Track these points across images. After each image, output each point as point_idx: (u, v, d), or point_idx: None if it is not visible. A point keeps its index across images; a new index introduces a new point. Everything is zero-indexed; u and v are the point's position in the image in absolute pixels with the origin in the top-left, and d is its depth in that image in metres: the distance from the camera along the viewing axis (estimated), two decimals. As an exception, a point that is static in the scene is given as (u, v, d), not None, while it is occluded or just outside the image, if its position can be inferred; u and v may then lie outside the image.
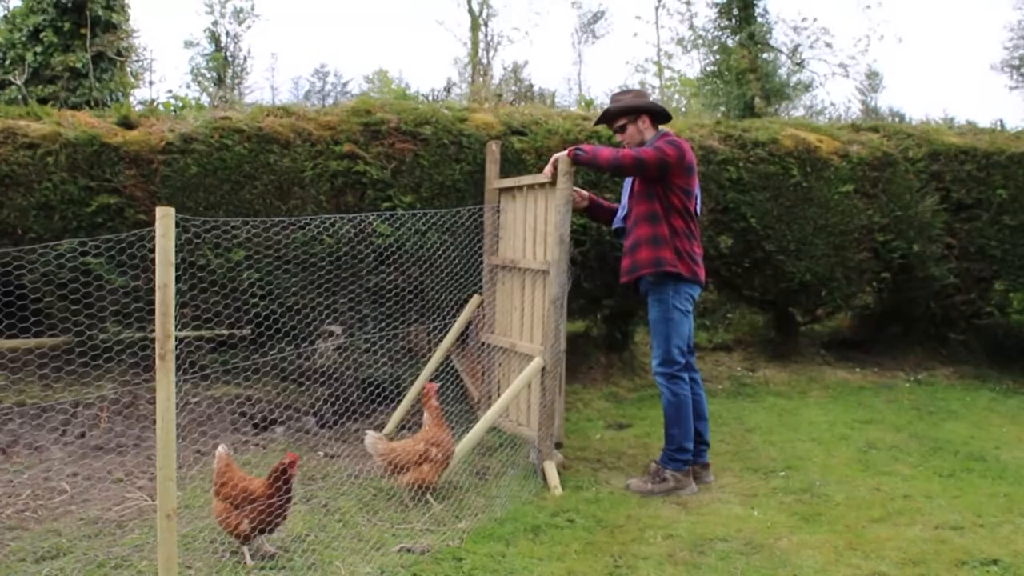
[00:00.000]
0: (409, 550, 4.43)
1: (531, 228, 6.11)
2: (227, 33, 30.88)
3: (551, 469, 5.53)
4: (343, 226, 6.50)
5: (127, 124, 6.57)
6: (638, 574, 4.22)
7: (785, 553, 4.50)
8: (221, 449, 4.52)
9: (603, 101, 17.39)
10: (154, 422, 6.32)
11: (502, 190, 6.60)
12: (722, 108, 23.67)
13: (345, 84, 50.32)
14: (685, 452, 5.54)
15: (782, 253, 8.24)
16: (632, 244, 5.61)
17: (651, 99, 5.94)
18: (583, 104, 11.52)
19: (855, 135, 8.93)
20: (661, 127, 5.81)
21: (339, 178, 6.74)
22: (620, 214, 5.89)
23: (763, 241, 8.17)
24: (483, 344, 6.71)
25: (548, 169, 5.69)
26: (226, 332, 6.71)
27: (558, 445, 5.99)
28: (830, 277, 8.45)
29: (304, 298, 6.60)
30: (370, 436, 5.25)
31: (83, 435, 6.13)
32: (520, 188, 6.30)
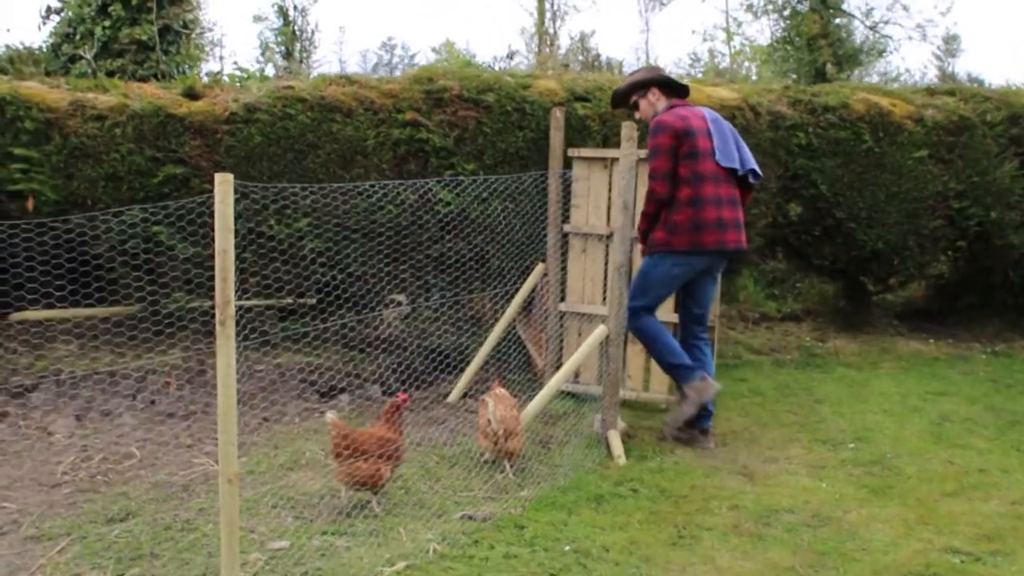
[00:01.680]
0: (471, 517, 4.41)
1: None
2: (295, 7, 30.99)
3: (615, 438, 5.47)
4: (406, 194, 6.48)
5: (192, 95, 6.63)
6: (702, 545, 4.15)
7: (853, 526, 4.39)
8: (331, 415, 4.55)
9: (671, 70, 17.17)
10: (221, 390, 6.45)
11: (579, 158, 6.54)
12: (792, 75, 23.14)
13: (412, 56, 50.24)
14: (680, 364, 5.61)
15: (853, 221, 8.03)
16: None
17: (661, 72, 5.96)
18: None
19: (930, 99, 8.64)
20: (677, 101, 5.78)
21: (402, 146, 6.72)
22: None
23: (834, 209, 7.97)
24: (561, 314, 6.67)
25: None
26: (291, 300, 6.76)
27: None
28: (903, 245, 8.22)
29: (368, 266, 6.61)
30: (490, 403, 5.07)
31: (153, 402, 6.23)
32: (604, 160, 6.42)
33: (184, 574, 3.83)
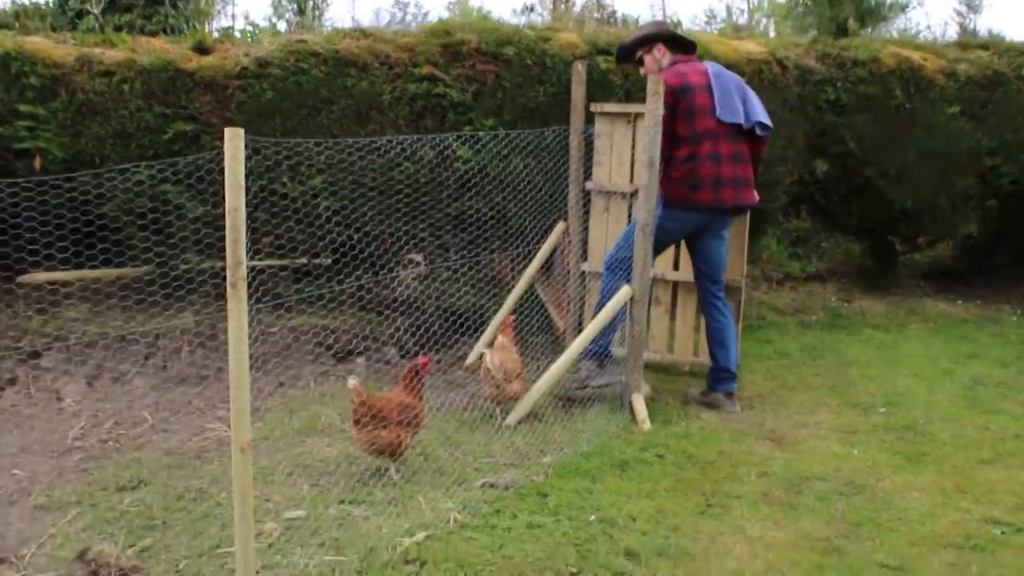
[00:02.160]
0: (492, 485, 4.27)
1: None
2: (308, -36, 30.59)
3: (639, 402, 5.31)
4: (423, 150, 6.28)
5: (202, 50, 6.42)
6: (731, 514, 4.00)
7: (888, 494, 4.24)
8: (352, 381, 4.45)
9: (687, 27, 16.78)
10: (234, 353, 6.31)
11: (601, 114, 6.32)
12: (812, 31, 22.65)
13: (426, 14, 49.65)
14: (603, 343, 5.61)
15: (882, 179, 7.81)
16: None
17: (667, 27, 5.86)
18: (672, 25, 11.05)
19: (963, 53, 8.34)
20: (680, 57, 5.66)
21: (418, 101, 6.51)
22: None
23: (862, 166, 7.75)
24: (583, 274, 6.50)
25: None
26: (306, 261, 6.59)
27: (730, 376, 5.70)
28: (933, 204, 8.00)
29: (384, 225, 6.44)
30: (487, 352, 5.32)
31: (165, 366, 6.10)
32: (627, 115, 6.21)
33: (197, 545, 3.71)
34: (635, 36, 5.75)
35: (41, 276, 6.33)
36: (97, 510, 4.06)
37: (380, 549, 3.60)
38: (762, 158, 5.74)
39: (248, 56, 6.30)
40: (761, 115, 5.51)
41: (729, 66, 7.03)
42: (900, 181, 7.83)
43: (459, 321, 6.50)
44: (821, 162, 7.72)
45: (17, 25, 7.73)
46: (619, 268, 5.54)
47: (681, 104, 5.35)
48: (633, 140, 6.18)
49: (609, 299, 5.40)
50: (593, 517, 3.92)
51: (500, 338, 5.54)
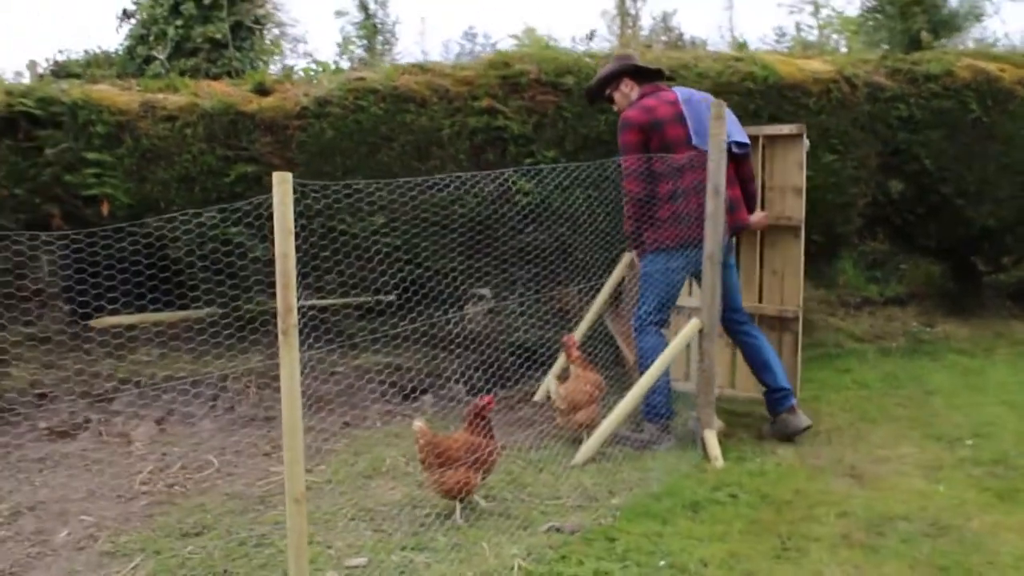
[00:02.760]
0: (558, 529, 4.14)
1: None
2: (375, 1, 30.94)
3: (711, 439, 5.12)
4: (483, 184, 6.21)
5: (262, 91, 6.48)
6: (809, 558, 3.80)
7: (978, 536, 3.98)
8: (418, 423, 4.38)
9: (756, 46, 16.50)
10: (303, 392, 6.29)
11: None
12: (884, 45, 22.17)
13: (494, 44, 49.96)
14: (660, 406, 5.36)
15: (961, 197, 7.52)
16: None
17: (629, 61, 5.65)
18: (737, 46, 10.87)
19: (1043, 61, 8.02)
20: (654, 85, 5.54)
21: (479, 135, 6.46)
22: None
23: (939, 184, 7.47)
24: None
25: None
26: (369, 298, 6.56)
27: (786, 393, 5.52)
28: (1017, 221, 7.66)
29: (446, 260, 6.38)
30: (553, 383, 5.48)
31: (232, 407, 6.12)
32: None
33: (258, 594, 3.66)
34: (599, 76, 5.65)
35: (110, 320, 6.41)
36: (160, 557, 4.03)
37: (442, 600, 3.50)
38: (751, 175, 5.63)
39: (307, 96, 6.32)
40: (736, 134, 5.40)
41: (796, 85, 6.90)
42: (980, 198, 7.52)
43: (527, 356, 6.40)
44: (896, 182, 7.46)
45: (87, 74, 7.89)
46: (650, 323, 5.40)
47: (653, 141, 5.25)
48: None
49: (651, 360, 5.26)
50: (663, 563, 3.76)
51: (572, 367, 5.60)
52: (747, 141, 5.45)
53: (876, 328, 7.95)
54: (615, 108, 5.67)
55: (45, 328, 6.60)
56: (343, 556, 3.94)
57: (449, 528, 4.20)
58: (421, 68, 6.69)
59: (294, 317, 3.24)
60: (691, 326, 5.20)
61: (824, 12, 34.01)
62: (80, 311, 6.26)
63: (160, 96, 6.34)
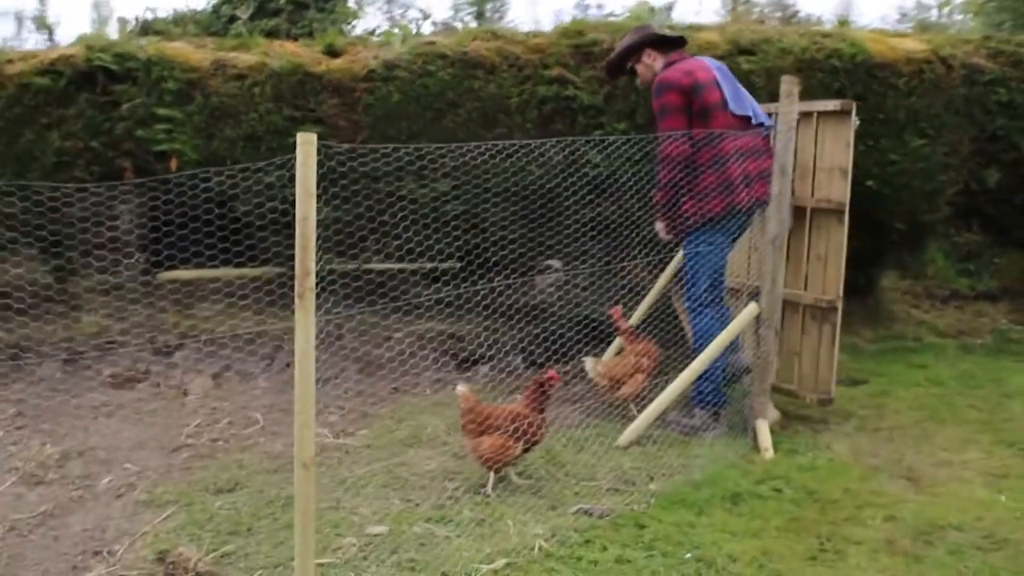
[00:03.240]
0: (588, 512, 4.02)
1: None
2: (486, -34, 30.80)
3: (763, 428, 4.93)
4: (552, 154, 6.07)
5: (332, 52, 6.44)
6: (846, 562, 3.60)
7: (1035, 552, 3.72)
8: (461, 387, 4.38)
9: (876, 26, 15.78)
10: (356, 358, 6.30)
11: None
12: (1007, 25, 21.06)
13: (608, 15, 49.27)
14: (715, 389, 5.21)
15: (1062, 188, 7.07)
16: None
17: (648, 31, 5.41)
18: (839, 23, 10.42)
19: None
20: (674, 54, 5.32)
21: (547, 104, 6.31)
22: None
23: (1040, 174, 7.03)
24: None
25: None
26: (431, 265, 6.50)
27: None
28: (1121, 217, 7.17)
29: (509, 231, 6.27)
30: (589, 361, 5.43)
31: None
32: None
33: (276, 555, 3.65)
34: (620, 48, 5.41)
35: (172, 274, 6.49)
36: (191, 510, 4.08)
37: (454, 575, 3.43)
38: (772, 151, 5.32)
39: (377, 59, 6.26)
40: (764, 116, 5.23)
41: (886, 65, 6.56)
42: (1083, 191, 7.07)
43: (590, 330, 6.25)
44: (992, 170, 7.05)
45: (173, 32, 7.98)
46: (706, 304, 5.21)
47: (695, 104, 5.03)
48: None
49: (705, 343, 5.09)
50: (689, 555, 3.61)
51: (622, 341, 5.67)
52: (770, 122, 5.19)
53: (962, 323, 7.55)
54: (638, 82, 5.49)
55: (120, 277, 6.75)
56: (366, 523, 3.92)
57: (478, 503, 4.14)
58: (494, 34, 6.56)
59: (311, 280, 3.17)
60: (749, 310, 4.99)
61: (945, -10, 32.55)
62: (154, 262, 6.37)
63: (232, 55, 6.36)
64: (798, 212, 5.28)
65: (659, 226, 5.37)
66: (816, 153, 5.18)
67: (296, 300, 3.18)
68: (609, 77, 5.76)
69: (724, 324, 5.13)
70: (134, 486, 4.42)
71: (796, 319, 5.38)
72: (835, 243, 5.13)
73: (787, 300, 5.32)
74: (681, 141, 5.01)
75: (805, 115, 5.15)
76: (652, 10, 9.08)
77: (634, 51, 5.34)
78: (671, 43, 5.37)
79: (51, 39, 9.77)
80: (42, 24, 10.17)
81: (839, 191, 5.04)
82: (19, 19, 10.38)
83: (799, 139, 5.08)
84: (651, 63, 5.30)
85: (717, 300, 5.25)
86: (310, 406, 3.24)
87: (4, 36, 11.90)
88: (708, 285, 5.20)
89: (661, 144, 5.08)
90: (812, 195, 5.22)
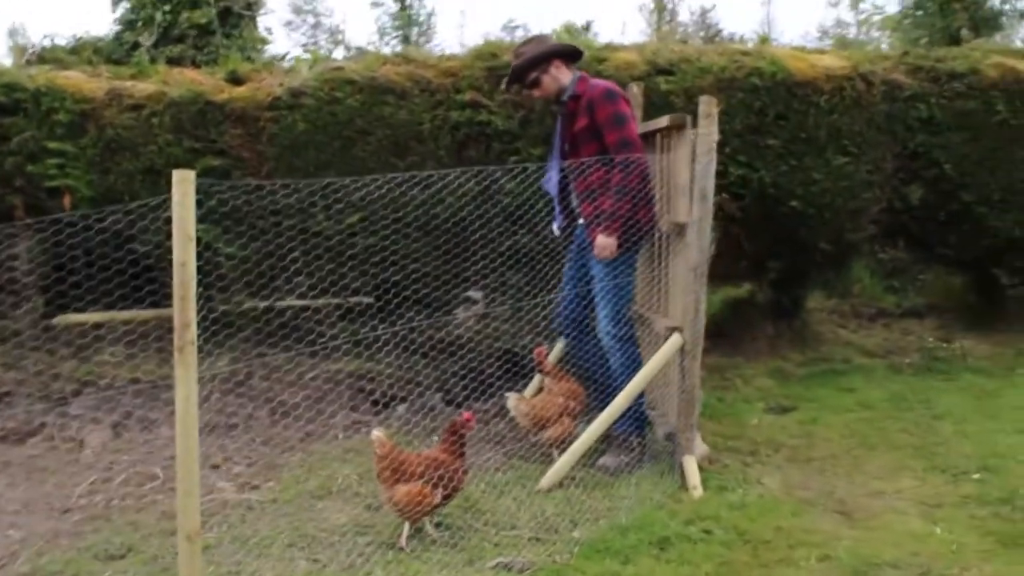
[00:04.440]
0: (507, 566, 3.78)
1: (664, 181, 5.21)
2: (411, -9, 30.58)
3: (691, 465, 4.71)
4: (466, 185, 5.84)
5: (235, 80, 6.16)
6: (780, 611, 3.40)
7: (974, 589, 3.56)
8: (377, 432, 4.11)
9: (796, 43, 15.89)
10: (266, 400, 5.98)
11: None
12: (924, 42, 21.47)
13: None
14: (644, 416, 5.18)
15: (984, 204, 7.07)
16: None
17: (555, 42, 5.42)
18: (760, 40, 10.40)
19: (1080, 61, 7.48)
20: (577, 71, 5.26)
21: (461, 130, 6.10)
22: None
23: (960, 191, 7.02)
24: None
25: None
26: (344, 300, 6.21)
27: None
28: (1045, 232, 7.16)
29: (428, 264, 6.02)
30: (511, 397, 5.16)
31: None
32: (653, 134, 5.33)
33: (165, 633, 3.33)
34: (530, 55, 5.15)
35: (74, 317, 6.13)
36: (75, 583, 3.74)
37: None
38: None
39: (282, 86, 5.99)
40: None
41: (806, 83, 6.49)
42: (1005, 207, 7.05)
43: (513, 365, 6.02)
44: (915, 187, 7.00)
45: (74, 60, 7.63)
46: (625, 337, 5.09)
47: (633, 118, 5.16)
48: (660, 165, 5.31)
49: (626, 375, 4.95)
50: (614, 611, 3.38)
51: (547, 380, 5.35)
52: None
53: (889, 342, 7.48)
54: (536, 93, 5.28)
55: (19, 322, 6.36)
56: (267, 589, 3.61)
57: (391, 560, 3.86)
58: (405, 58, 6.33)
59: (192, 333, 2.89)
60: (672, 343, 4.80)
61: (863, 6, 33.18)
62: (58, 304, 6.02)
63: (128, 84, 6.04)
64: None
65: (610, 242, 4.99)
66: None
67: (176, 354, 2.90)
68: (508, 85, 5.51)
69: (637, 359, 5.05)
70: (16, 555, 4.04)
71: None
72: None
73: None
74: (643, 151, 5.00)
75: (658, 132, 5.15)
76: (580, 29, 8.96)
77: (542, 60, 5.12)
78: (576, 56, 5.26)
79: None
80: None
81: (684, 210, 4.83)
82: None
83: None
84: (557, 75, 5.12)
85: (632, 333, 5.11)
86: (192, 474, 2.95)
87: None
88: (626, 315, 5.09)
89: (626, 153, 4.94)
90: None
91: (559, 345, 5.80)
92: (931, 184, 7.01)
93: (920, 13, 23.07)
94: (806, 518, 4.27)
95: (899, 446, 5.26)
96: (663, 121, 5.04)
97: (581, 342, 5.44)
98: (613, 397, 4.87)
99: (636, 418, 5.01)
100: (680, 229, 4.89)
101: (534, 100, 5.65)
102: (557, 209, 5.43)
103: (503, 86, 5.66)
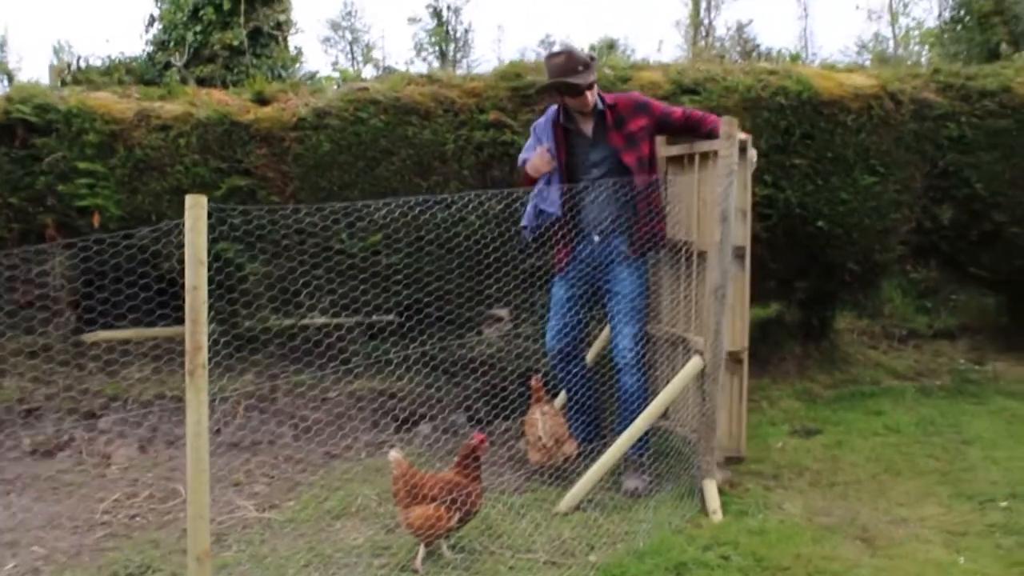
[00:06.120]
0: (520, 590, 3.76)
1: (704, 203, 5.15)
2: (448, 7, 30.92)
3: (711, 489, 4.67)
4: (489, 204, 5.84)
5: (261, 100, 6.22)
6: (793, 642, 3.35)
7: (995, 623, 3.48)
8: (394, 453, 4.13)
9: (836, 58, 15.81)
10: (290, 417, 6.02)
11: (670, 159, 5.66)
12: (962, 57, 21.24)
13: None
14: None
15: (1016, 224, 6.95)
16: None
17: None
18: (791, 58, 10.35)
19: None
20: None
21: (484, 150, 6.10)
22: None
23: (992, 210, 6.91)
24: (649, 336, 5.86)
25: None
26: (364, 319, 6.23)
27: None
28: (1079, 252, 7.03)
29: (451, 282, 6.03)
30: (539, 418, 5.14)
31: (218, 430, 5.85)
32: (692, 156, 5.26)
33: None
34: (589, 79, 4.97)
35: (103, 334, 6.21)
36: (96, 601, 3.77)
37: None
38: None
39: (307, 106, 6.04)
40: None
41: (833, 102, 6.44)
42: (1038, 227, 6.95)
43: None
44: (945, 207, 6.91)
45: (108, 81, 7.75)
46: (639, 359, 5.13)
47: None
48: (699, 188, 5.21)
49: (639, 403, 4.96)
50: (626, 639, 3.35)
51: (544, 407, 5.19)
52: None
53: (920, 364, 7.37)
54: (573, 103, 5.09)
55: (49, 337, 6.46)
56: (282, 611, 3.62)
57: (407, 583, 3.86)
58: (429, 78, 6.37)
59: (203, 356, 2.92)
60: (692, 366, 4.77)
61: (903, 21, 32.90)
62: (86, 320, 6.10)
63: (156, 104, 6.12)
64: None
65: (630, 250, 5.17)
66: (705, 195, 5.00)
67: (187, 378, 2.93)
68: (560, 93, 5.15)
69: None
70: (39, 572, 4.10)
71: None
72: (738, 289, 4.90)
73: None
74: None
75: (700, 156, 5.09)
76: (605, 48, 8.96)
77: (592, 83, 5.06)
78: None
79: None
80: (3, 70, 9.95)
81: (740, 233, 4.80)
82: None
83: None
84: (592, 93, 5.06)
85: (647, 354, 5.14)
86: (203, 495, 2.97)
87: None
88: (642, 335, 5.12)
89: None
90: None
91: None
92: (962, 203, 6.91)
93: (959, 28, 22.88)
94: (827, 545, 4.20)
95: (925, 472, 5.17)
96: (704, 145, 5.05)
97: (568, 370, 5.36)
98: (631, 417, 4.86)
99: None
100: (703, 252, 4.88)
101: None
102: (530, 210, 5.29)
103: (543, 91, 5.64)
